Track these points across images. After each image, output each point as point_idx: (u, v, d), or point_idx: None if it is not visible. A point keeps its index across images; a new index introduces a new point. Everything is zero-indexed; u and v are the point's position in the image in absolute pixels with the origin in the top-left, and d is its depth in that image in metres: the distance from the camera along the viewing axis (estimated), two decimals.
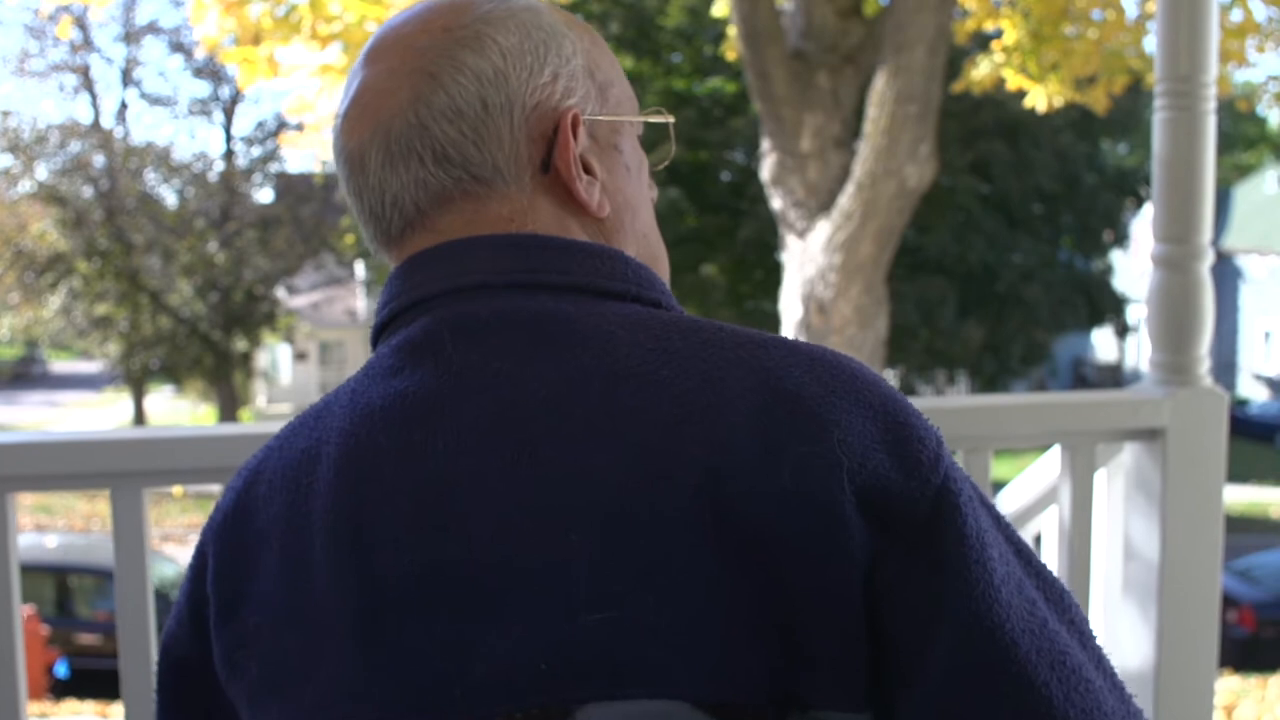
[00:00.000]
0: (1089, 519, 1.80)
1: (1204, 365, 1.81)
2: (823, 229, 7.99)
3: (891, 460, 0.70)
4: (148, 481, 1.54)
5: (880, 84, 7.58)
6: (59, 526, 17.34)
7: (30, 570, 10.33)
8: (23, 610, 1.45)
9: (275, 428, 1.58)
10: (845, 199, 7.83)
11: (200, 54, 6.16)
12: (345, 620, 0.74)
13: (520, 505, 0.71)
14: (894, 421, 0.72)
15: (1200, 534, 1.76)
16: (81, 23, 22.53)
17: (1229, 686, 8.43)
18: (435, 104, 0.82)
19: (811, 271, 8.21)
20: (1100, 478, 1.93)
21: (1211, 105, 1.76)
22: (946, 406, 1.76)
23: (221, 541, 0.83)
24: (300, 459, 0.80)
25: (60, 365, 44.79)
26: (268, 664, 0.78)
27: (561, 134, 0.83)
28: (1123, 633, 1.86)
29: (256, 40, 6.32)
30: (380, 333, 0.86)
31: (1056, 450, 1.85)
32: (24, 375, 41.73)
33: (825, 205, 8.07)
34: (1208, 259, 1.80)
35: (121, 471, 1.52)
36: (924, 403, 1.72)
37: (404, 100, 0.82)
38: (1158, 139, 1.79)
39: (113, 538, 1.53)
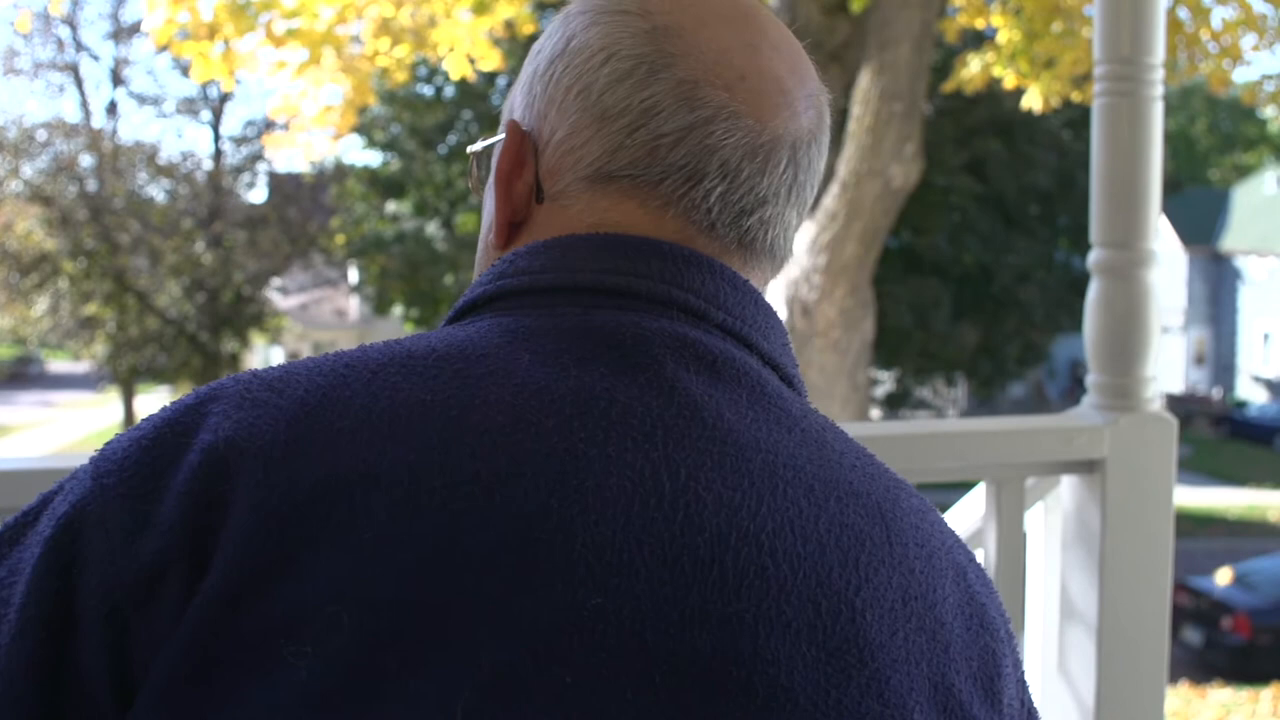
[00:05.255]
0: (1020, 566, 1.57)
1: (1150, 387, 1.59)
2: (806, 230, 7.82)
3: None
4: None
5: (865, 82, 7.41)
6: None
7: None
8: None
9: (66, 463, 1.35)
10: (829, 199, 7.67)
11: (147, 43, 5.99)
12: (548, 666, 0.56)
13: (826, 638, 0.61)
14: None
15: (1144, 585, 1.54)
16: (71, 20, 22.46)
17: (1219, 700, 8.24)
18: (822, 146, 0.77)
19: (795, 273, 8.04)
20: (1037, 514, 1.70)
21: (1158, 91, 1.54)
22: (853, 435, 1.52)
23: (274, 473, 0.59)
24: (424, 411, 0.62)
25: (57, 365, 44.69)
26: (346, 674, 0.56)
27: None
28: (1063, 704, 1.63)
29: (211, 34, 6.15)
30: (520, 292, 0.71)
31: (982, 487, 1.62)
32: (20, 375, 41.61)
33: (810, 205, 7.90)
34: (1154, 266, 1.58)
35: None
36: None
37: (810, 125, 0.76)
38: (1096, 128, 1.57)
39: None
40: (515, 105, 0.78)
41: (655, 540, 0.59)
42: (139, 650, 0.58)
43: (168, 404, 0.67)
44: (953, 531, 0.73)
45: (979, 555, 1.63)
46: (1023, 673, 0.72)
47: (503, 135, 0.78)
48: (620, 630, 0.57)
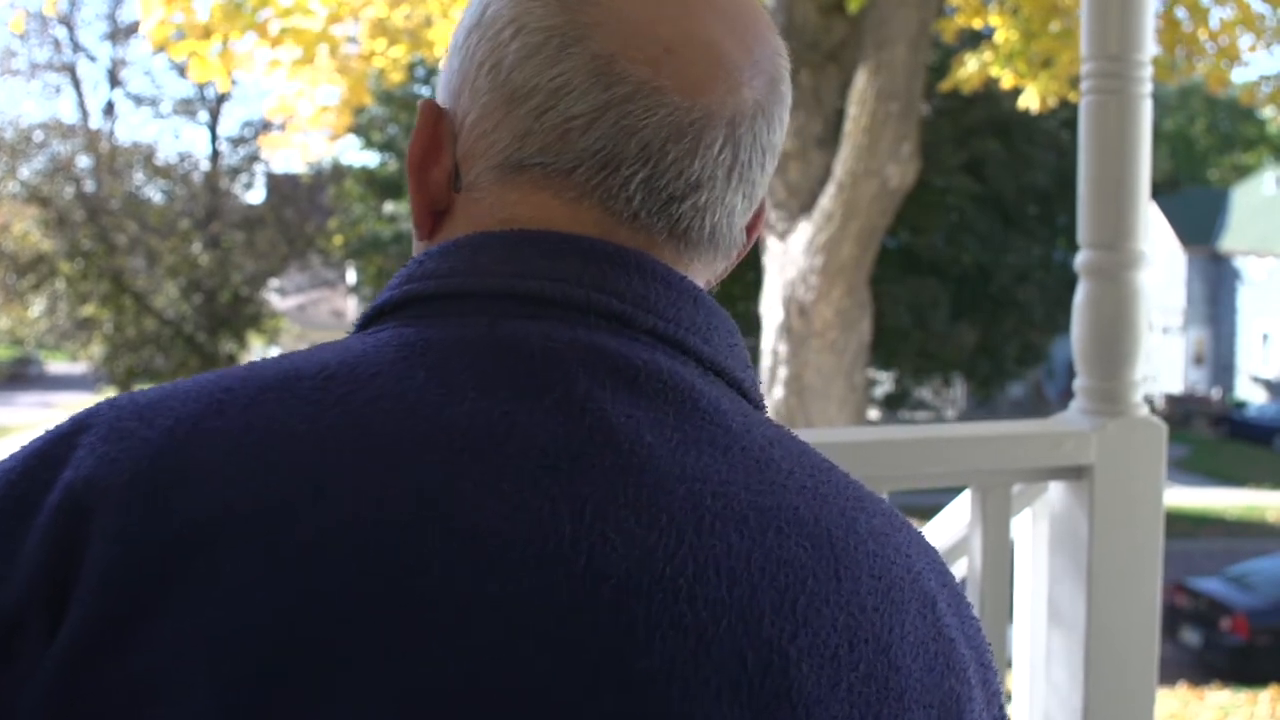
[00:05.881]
0: (1005, 575, 1.54)
1: (1138, 392, 1.55)
2: (803, 230, 7.81)
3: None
4: None
5: (861, 81, 7.39)
6: None
7: None
8: None
9: None
10: (826, 199, 7.65)
11: (144, 44, 6.00)
12: None
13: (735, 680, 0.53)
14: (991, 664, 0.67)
15: (1133, 594, 1.50)
16: (68, 21, 22.47)
17: (1217, 702, 8.22)
18: (772, 119, 0.68)
19: (792, 274, 8.01)
20: (1024, 521, 1.67)
21: (1146, 88, 1.51)
22: (833, 440, 1.49)
23: (131, 516, 0.54)
24: (298, 444, 0.56)
25: (56, 366, 44.69)
26: None
27: (762, 212, 0.72)
28: (1051, 714, 1.60)
29: (206, 34, 6.13)
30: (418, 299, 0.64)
31: (968, 494, 1.59)
32: (20, 376, 41.59)
33: (807, 206, 7.89)
34: (1142, 267, 1.54)
35: None
36: (809, 434, 1.46)
37: (757, 96, 0.67)
38: (1084, 127, 1.54)
39: None
40: (439, 82, 0.72)
41: (552, 592, 0.52)
42: (2, 701, 0.53)
43: (44, 431, 0.61)
44: (927, 552, 0.65)
45: (964, 564, 1.60)
46: (1000, 711, 0.66)
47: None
48: (511, 696, 0.51)
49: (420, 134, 0.68)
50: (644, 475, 0.56)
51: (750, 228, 0.71)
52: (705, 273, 0.69)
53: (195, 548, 0.53)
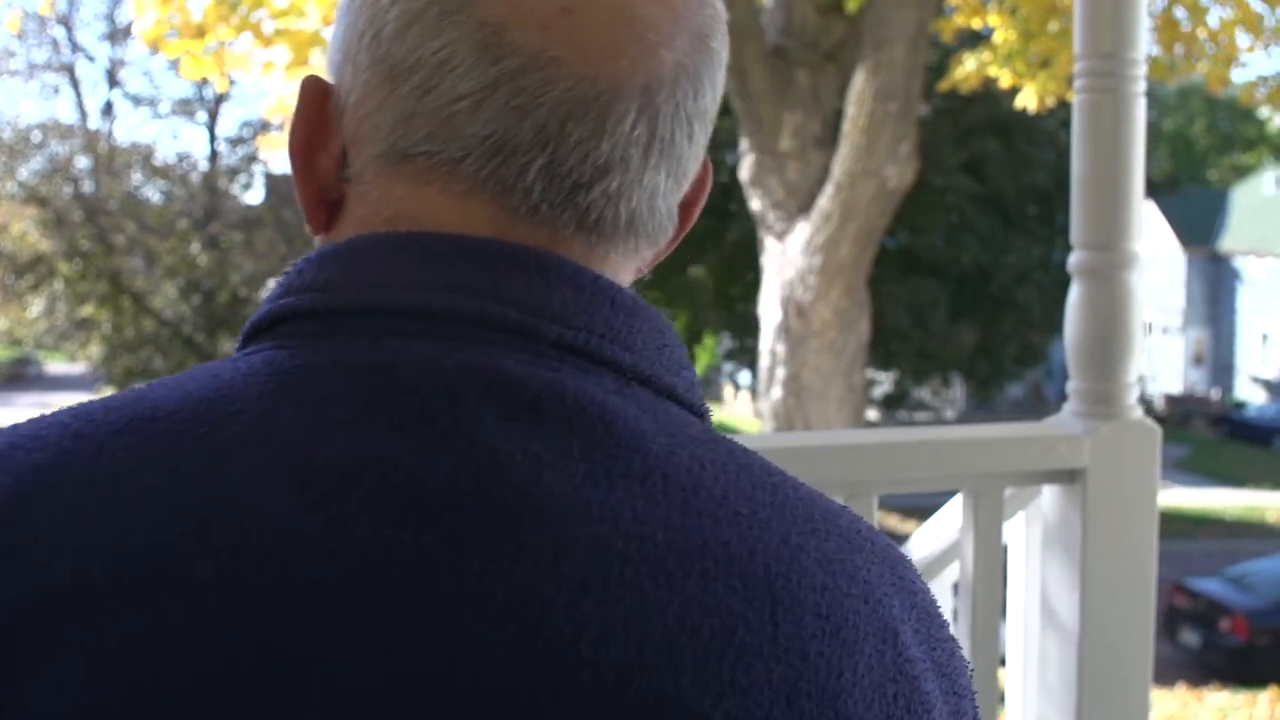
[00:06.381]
0: (998, 579, 1.52)
1: (1132, 394, 1.54)
2: (802, 231, 7.81)
3: None
4: None
5: (860, 81, 7.39)
6: None
7: None
8: None
9: None
10: (824, 200, 7.65)
11: (142, 44, 5.99)
12: None
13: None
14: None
15: (1128, 598, 1.49)
16: (66, 21, 22.53)
17: (1216, 703, 8.22)
18: (700, 81, 0.59)
19: (790, 274, 8.01)
20: (1018, 525, 1.65)
21: (1140, 87, 1.49)
22: (822, 444, 1.48)
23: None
24: (144, 500, 0.49)
25: (55, 366, 44.74)
26: None
27: (704, 184, 0.64)
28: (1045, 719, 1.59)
29: (200, 33, 6.14)
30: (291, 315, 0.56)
31: (959, 498, 1.57)
32: (19, 377, 41.63)
33: (805, 206, 7.89)
34: (1137, 268, 1.53)
35: None
36: (797, 437, 1.45)
37: (679, 58, 0.58)
38: (1077, 126, 1.52)
39: None
40: (327, 55, 0.63)
41: (426, 666, 0.45)
42: None
43: None
44: (894, 570, 0.58)
45: (956, 568, 1.59)
46: None
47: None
48: None
49: (302, 115, 0.60)
50: (542, 519, 0.49)
51: (689, 204, 0.64)
52: (628, 264, 0.62)
53: (29, 633, 0.46)
